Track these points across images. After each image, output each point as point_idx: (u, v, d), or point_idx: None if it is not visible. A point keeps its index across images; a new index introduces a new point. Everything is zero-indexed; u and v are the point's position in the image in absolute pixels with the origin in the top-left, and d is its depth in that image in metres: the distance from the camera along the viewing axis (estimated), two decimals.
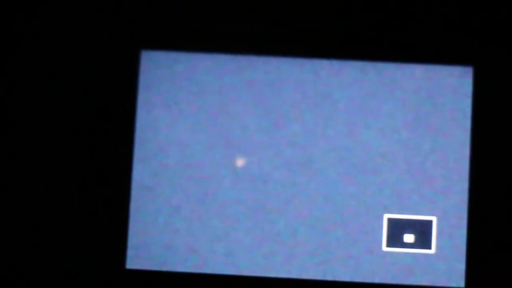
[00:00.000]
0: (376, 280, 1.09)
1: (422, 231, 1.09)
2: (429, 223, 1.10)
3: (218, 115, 1.12)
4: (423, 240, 1.09)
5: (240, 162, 1.11)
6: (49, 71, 1.11)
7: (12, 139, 1.10)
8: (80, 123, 1.10)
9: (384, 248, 1.10)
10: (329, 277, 1.09)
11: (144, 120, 1.12)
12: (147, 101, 1.12)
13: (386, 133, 1.11)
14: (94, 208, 1.09)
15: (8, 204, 1.09)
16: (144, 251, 1.10)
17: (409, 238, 1.09)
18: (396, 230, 1.09)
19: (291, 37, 1.11)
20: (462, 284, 1.09)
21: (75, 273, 1.08)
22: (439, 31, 1.11)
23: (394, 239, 1.09)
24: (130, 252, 1.10)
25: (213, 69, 1.13)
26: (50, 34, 1.12)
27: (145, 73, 1.12)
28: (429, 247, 1.09)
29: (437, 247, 1.09)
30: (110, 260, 1.09)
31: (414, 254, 1.09)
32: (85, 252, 1.08)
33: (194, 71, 1.12)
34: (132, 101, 1.11)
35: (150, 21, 1.12)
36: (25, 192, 1.10)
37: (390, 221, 1.10)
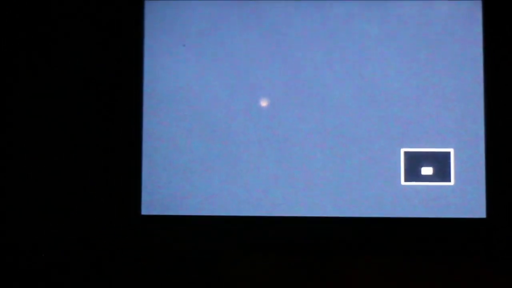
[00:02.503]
0: (396, 214, 1.07)
1: (440, 164, 1.07)
2: (447, 154, 1.08)
3: (225, 59, 1.10)
4: (442, 172, 1.07)
5: (252, 103, 1.10)
6: (52, 25, 1.11)
7: (23, 103, 1.11)
8: (88, 77, 1.10)
9: (403, 182, 1.08)
10: (348, 214, 1.07)
11: (151, 69, 1.11)
12: (153, 50, 1.11)
13: (398, 69, 1.10)
14: (107, 158, 1.09)
15: (26, 160, 1.10)
16: (159, 197, 1.09)
17: (427, 171, 1.08)
18: (414, 163, 1.08)
19: None
20: (484, 215, 1.07)
21: (93, 222, 1.09)
22: None
23: (413, 173, 1.08)
24: (144, 198, 1.09)
25: (215, 15, 1.11)
26: None
27: (149, 23, 1.11)
28: (449, 180, 1.07)
29: (456, 179, 1.07)
30: (126, 207, 1.08)
31: (434, 187, 1.07)
32: (102, 201, 1.08)
33: (197, 18, 1.11)
34: (138, 51, 1.11)
35: None
36: (40, 149, 1.10)
37: (407, 154, 1.08)
